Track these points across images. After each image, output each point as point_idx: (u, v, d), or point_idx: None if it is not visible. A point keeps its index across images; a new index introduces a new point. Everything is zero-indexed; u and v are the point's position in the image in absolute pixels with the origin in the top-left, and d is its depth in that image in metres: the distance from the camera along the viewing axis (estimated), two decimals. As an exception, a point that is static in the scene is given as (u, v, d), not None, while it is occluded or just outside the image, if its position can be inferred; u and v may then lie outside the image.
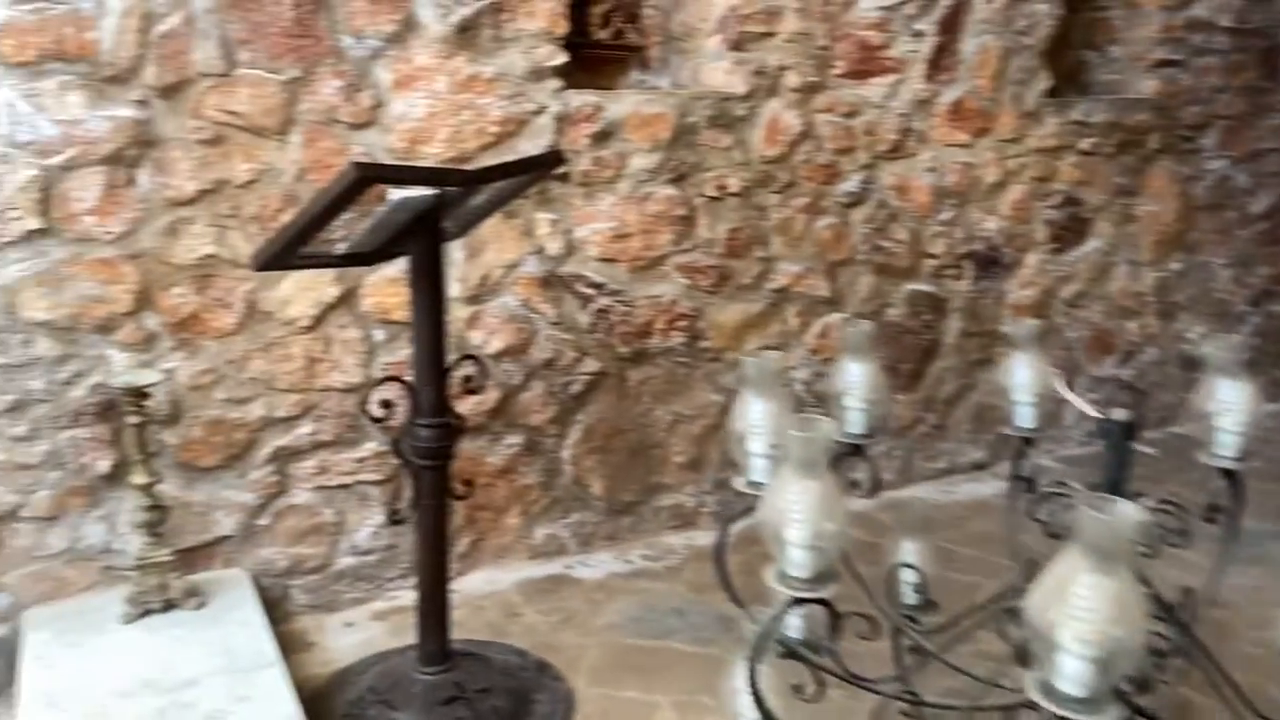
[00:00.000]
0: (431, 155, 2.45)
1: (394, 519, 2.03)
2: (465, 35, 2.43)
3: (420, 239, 1.92)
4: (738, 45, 2.82)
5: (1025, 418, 1.88)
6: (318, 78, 2.30)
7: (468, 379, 2.06)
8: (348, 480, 2.55)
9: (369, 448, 2.55)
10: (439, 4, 2.37)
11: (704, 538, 3.05)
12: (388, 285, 2.47)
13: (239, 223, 2.30)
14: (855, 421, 1.80)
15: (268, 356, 2.39)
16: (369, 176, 1.63)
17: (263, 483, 2.46)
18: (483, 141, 2.51)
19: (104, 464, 2.27)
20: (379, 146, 2.41)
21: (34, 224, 2.11)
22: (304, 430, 2.48)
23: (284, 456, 2.47)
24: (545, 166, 1.99)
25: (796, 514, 1.23)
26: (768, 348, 3.07)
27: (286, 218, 2.32)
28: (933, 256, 3.30)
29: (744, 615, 1.58)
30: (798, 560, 1.26)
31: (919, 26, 3.08)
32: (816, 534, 1.25)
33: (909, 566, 1.76)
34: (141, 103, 2.15)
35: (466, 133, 2.48)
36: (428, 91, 2.42)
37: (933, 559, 1.82)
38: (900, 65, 3.08)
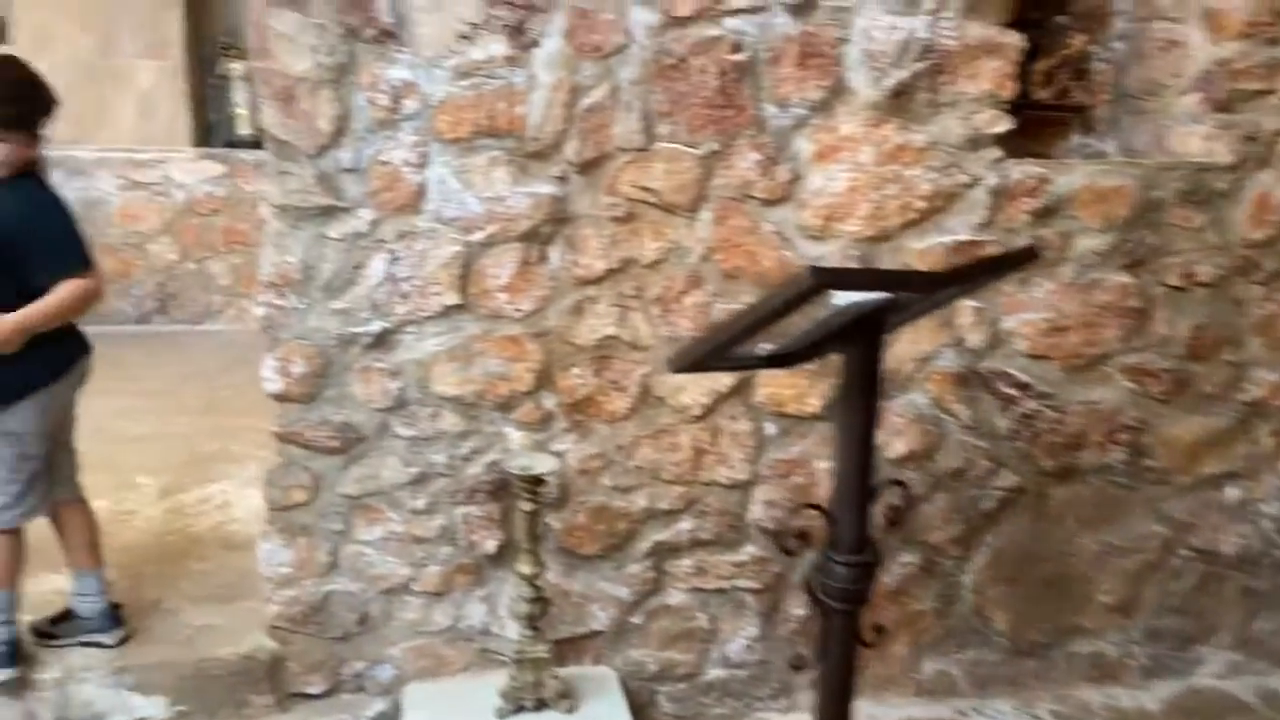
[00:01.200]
0: (848, 233, 2.18)
1: (796, 665, 1.75)
2: (897, 101, 2.14)
3: (857, 343, 1.63)
4: (1224, 106, 2.29)
5: None
6: (735, 151, 2.11)
7: (893, 509, 1.75)
8: (724, 585, 2.33)
9: (749, 552, 2.32)
10: (874, 67, 2.11)
11: (1128, 697, 2.52)
12: (785, 375, 2.23)
13: (641, 303, 2.16)
14: None
15: (656, 445, 2.23)
16: (826, 283, 1.37)
17: (639, 578, 2.30)
18: (906, 218, 2.20)
19: (491, 544, 2.21)
20: (792, 223, 2.18)
21: (452, 299, 2.09)
22: (684, 526, 2.29)
23: (662, 552, 2.30)
24: (1017, 265, 1.64)
25: None
26: (1230, 474, 2.48)
27: (690, 300, 2.16)
28: None
29: None
30: None
31: None
32: None
33: None
34: (560, 179, 2.07)
35: (889, 208, 2.19)
36: (850, 163, 2.16)
37: None
38: None
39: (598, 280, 2.13)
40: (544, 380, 2.16)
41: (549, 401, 2.18)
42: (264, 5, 1.92)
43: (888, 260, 2.22)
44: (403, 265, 2.05)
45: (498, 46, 1.98)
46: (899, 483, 1.76)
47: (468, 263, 2.07)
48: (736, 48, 2.06)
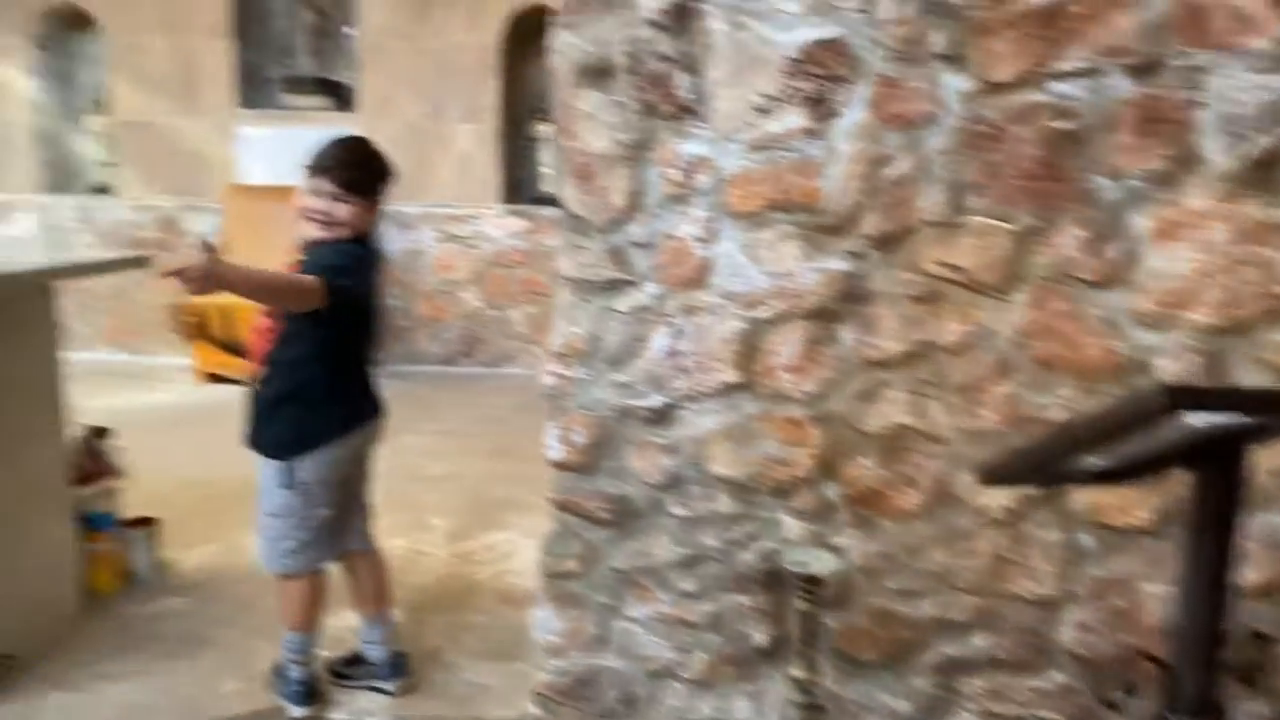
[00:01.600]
0: (1192, 322, 1.88)
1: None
2: (1261, 172, 1.81)
3: (1210, 465, 1.37)
4: None
5: None
6: (1057, 227, 1.88)
7: (1249, 662, 1.44)
8: (1023, 713, 2.06)
9: (1053, 678, 2.03)
10: (1232, 133, 1.80)
11: None
12: (1107, 480, 1.94)
13: (939, 391, 1.97)
14: None
15: (950, 548, 2.02)
16: (1181, 404, 1.14)
17: (923, 693, 2.08)
18: (1267, 306, 1.86)
19: (761, 637, 2.09)
20: (1122, 309, 1.90)
21: (732, 377, 2.01)
22: (978, 641, 2.05)
23: (950, 668, 2.07)
24: None
25: None
26: None
27: (998, 390, 1.94)
28: None
29: None
30: None
31: None
32: None
33: None
34: (855, 254, 1.94)
35: (1244, 295, 1.86)
36: (1198, 242, 1.86)
37: None
38: None
39: (891, 363, 1.97)
40: (826, 468, 2.02)
41: (830, 491, 2.04)
42: (569, 85, 1.96)
43: (1239, 354, 1.88)
44: (685, 340, 2.01)
45: (795, 118, 1.90)
46: (1260, 635, 1.46)
47: (750, 340, 1.99)
48: (1063, 114, 1.84)
